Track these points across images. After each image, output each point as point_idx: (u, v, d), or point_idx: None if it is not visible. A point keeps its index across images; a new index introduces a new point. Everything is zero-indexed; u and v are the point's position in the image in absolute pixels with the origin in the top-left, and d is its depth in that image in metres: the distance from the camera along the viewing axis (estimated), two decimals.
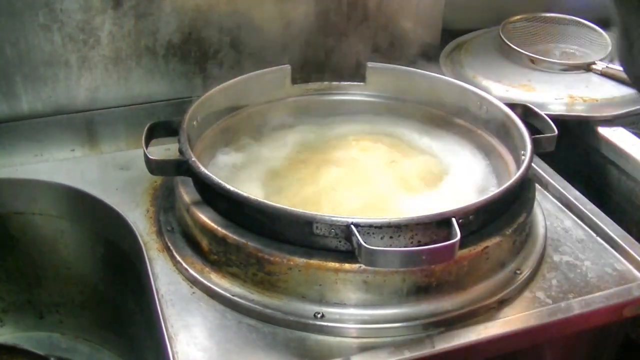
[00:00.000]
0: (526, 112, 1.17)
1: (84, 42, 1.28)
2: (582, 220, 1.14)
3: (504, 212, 1.01)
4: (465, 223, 0.90)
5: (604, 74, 1.45)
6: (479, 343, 0.91)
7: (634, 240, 1.08)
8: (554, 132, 1.11)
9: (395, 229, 0.89)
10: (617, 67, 1.43)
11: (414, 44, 1.44)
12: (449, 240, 0.85)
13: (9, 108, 1.29)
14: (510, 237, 0.99)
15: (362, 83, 1.31)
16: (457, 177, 1.16)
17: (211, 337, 0.92)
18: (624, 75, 1.38)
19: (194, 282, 1.00)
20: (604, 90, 1.39)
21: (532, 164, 1.07)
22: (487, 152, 1.21)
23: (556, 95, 1.40)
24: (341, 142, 1.24)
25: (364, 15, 1.42)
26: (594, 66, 1.47)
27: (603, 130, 1.34)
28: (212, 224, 0.98)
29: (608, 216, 1.13)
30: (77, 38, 1.27)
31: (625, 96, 1.39)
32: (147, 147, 1.06)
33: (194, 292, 0.99)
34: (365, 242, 0.84)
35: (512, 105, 1.18)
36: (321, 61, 1.41)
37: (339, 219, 0.89)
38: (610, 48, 1.50)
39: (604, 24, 1.55)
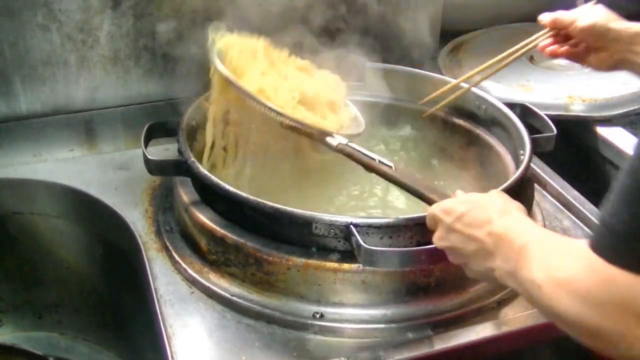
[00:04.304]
0: (525, 112, 1.17)
1: (83, 42, 1.28)
2: (580, 220, 1.14)
3: None
4: None
5: None
6: (478, 343, 0.91)
7: None
8: (553, 132, 1.11)
9: (395, 229, 0.89)
10: None
11: (413, 44, 1.44)
12: None
13: (7, 108, 1.28)
14: None
15: (360, 83, 1.31)
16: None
17: (210, 336, 0.92)
18: None
19: (192, 282, 1.00)
20: (603, 90, 1.39)
21: (531, 164, 1.07)
22: (486, 152, 1.21)
23: (555, 95, 1.40)
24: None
25: (363, 15, 1.42)
26: None
27: (602, 130, 1.34)
28: (211, 224, 0.98)
29: None
30: (75, 38, 1.27)
31: (624, 96, 1.39)
32: (146, 147, 1.06)
33: (192, 292, 0.99)
34: (364, 242, 0.84)
35: (511, 105, 1.18)
36: (320, 62, 1.41)
37: (338, 219, 0.89)
38: None
39: None
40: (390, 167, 0.97)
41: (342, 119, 1.13)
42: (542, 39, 1.11)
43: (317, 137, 1.06)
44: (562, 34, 1.09)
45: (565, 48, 1.09)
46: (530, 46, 1.12)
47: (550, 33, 1.10)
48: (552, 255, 0.67)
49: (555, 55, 1.11)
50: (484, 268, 0.77)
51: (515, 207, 0.80)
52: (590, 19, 1.03)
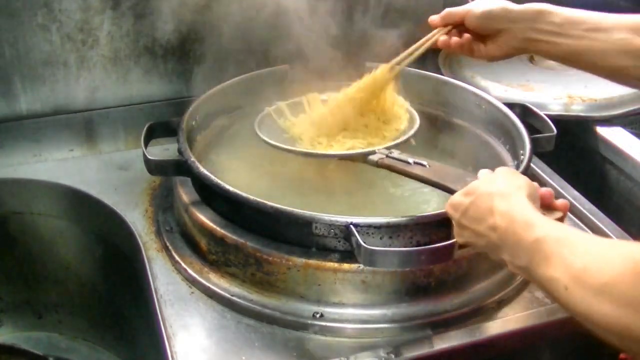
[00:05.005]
0: (525, 112, 1.18)
1: (83, 42, 1.28)
2: (580, 220, 1.14)
3: None
4: None
5: None
6: (478, 343, 0.91)
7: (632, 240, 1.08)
8: (553, 132, 1.11)
9: (395, 229, 0.89)
10: None
11: (413, 44, 1.44)
12: (448, 240, 0.84)
13: (7, 108, 1.28)
14: None
15: None
16: None
17: (210, 337, 0.92)
18: None
19: (192, 282, 1.00)
20: (603, 90, 1.39)
21: (531, 164, 1.07)
22: (486, 152, 1.21)
23: (555, 95, 1.40)
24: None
25: (362, 15, 1.42)
26: None
27: (602, 130, 1.34)
28: (211, 224, 0.98)
29: (607, 216, 1.13)
30: (75, 38, 1.27)
31: (624, 96, 1.39)
32: (146, 147, 1.06)
33: (192, 292, 0.99)
34: (364, 242, 0.84)
35: (511, 105, 1.18)
36: (320, 62, 1.41)
37: (338, 219, 0.89)
38: None
39: None
40: (425, 165, 0.97)
41: (396, 126, 1.15)
42: (438, 36, 1.05)
43: (361, 160, 1.06)
44: (458, 30, 1.03)
45: (456, 40, 1.03)
46: (426, 45, 1.07)
47: (445, 30, 1.04)
48: (578, 255, 0.63)
49: (447, 48, 1.04)
50: (499, 260, 0.74)
51: (516, 187, 0.76)
52: (486, 5, 0.98)
